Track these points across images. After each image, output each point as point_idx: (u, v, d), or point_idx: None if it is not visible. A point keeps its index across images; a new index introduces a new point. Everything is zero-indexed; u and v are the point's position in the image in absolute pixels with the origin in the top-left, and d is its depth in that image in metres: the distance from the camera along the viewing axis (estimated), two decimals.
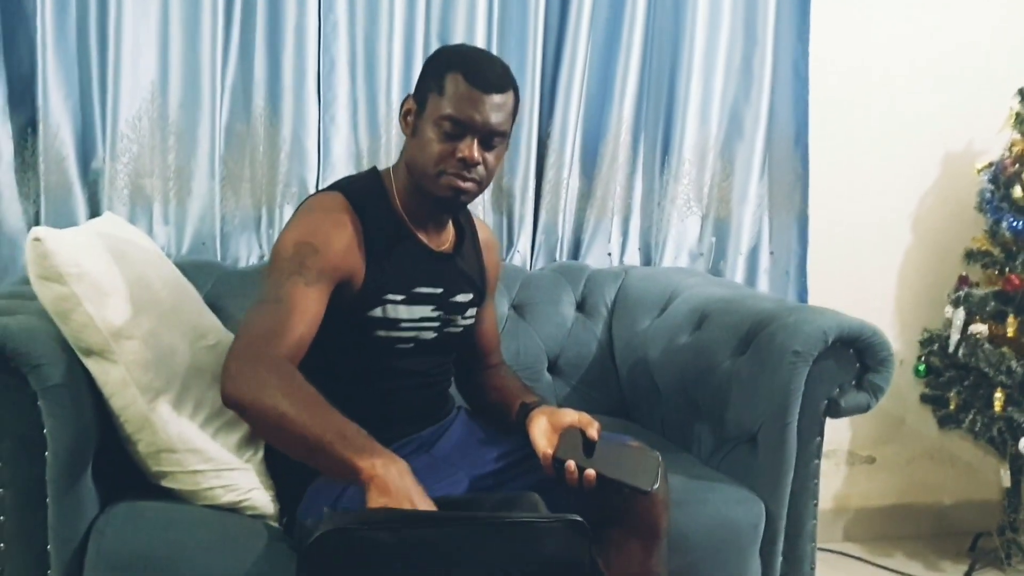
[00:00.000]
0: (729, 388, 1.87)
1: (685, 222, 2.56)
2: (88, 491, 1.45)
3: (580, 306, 2.36)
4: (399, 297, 1.50)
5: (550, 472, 1.41)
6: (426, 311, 1.54)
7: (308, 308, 1.36)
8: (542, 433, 1.46)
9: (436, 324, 1.56)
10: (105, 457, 1.49)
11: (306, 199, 1.55)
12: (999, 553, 2.62)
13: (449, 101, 1.43)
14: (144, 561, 1.40)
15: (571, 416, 1.46)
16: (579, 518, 1.10)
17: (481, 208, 2.37)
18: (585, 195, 2.50)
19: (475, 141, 1.44)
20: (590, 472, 1.37)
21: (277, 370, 1.27)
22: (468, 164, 1.44)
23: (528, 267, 2.46)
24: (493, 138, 1.47)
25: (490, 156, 1.47)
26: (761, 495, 1.78)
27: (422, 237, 1.56)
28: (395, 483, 1.15)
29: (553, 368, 2.29)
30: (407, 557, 1.05)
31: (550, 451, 1.42)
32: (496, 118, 1.45)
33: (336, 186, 1.55)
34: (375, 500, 1.14)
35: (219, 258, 2.21)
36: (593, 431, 1.43)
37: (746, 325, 1.90)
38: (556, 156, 2.41)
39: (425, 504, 1.15)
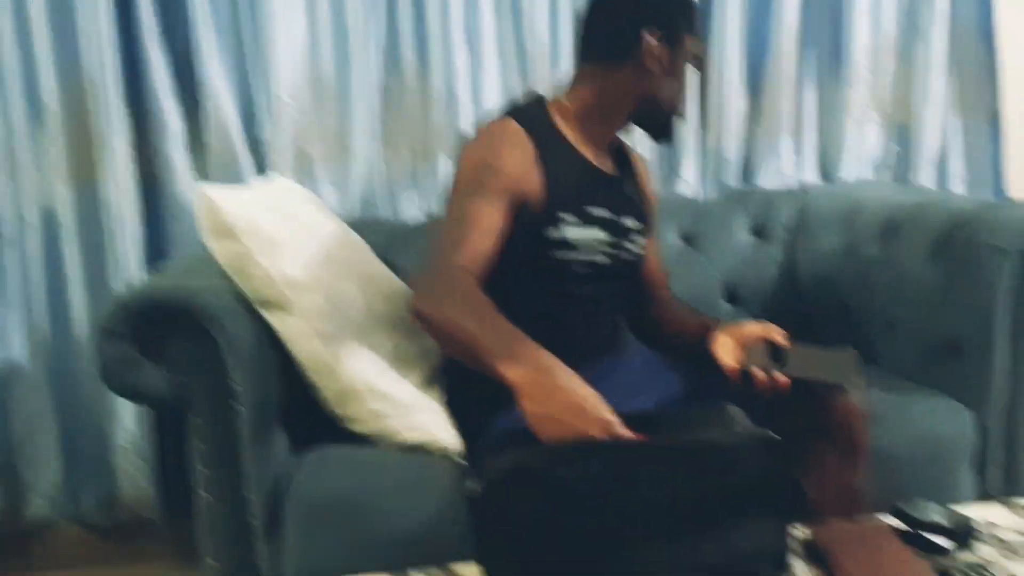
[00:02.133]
0: (927, 297, 1.73)
1: (864, 132, 2.38)
2: (280, 439, 1.49)
3: (756, 231, 2.24)
4: (572, 218, 1.48)
5: (739, 383, 1.35)
6: (599, 234, 1.51)
7: (488, 223, 1.36)
8: (726, 349, 1.42)
9: (609, 249, 1.53)
10: (295, 406, 1.53)
11: (477, 128, 1.54)
12: None
13: (697, 40, 1.55)
14: (337, 504, 1.43)
15: (755, 328, 1.42)
16: (773, 435, 1.02)
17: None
18: (752, 114, 2.36)
19: None
20: (781, 376, 1.30)
21: (454, 280, 1.28)
22: None
23: (696, 196, 2.36)
24: None
25: None
26: (970, 405, 1.64)
27: (591, 160, 1.54)
28: (541, 387, 1.10)
29: (732, 298, 2.20)
30: (588, 490, 0.99)
31: (736, 363, 1.35)
32: None
33: (504, 112, 1.55)
34: (528, 411, 1.09)
35: (388, 215, 2.23)
36: (780, 337, 1.37)
37: (940, 228, 1.75)
38: (718, 75, 2.29)
39: (592, 404, 1.09)
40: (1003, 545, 1.08)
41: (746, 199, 2.28)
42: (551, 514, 0.96)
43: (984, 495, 1.64)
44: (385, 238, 2.07)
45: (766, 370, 1.32)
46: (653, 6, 1.52)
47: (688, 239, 2.22)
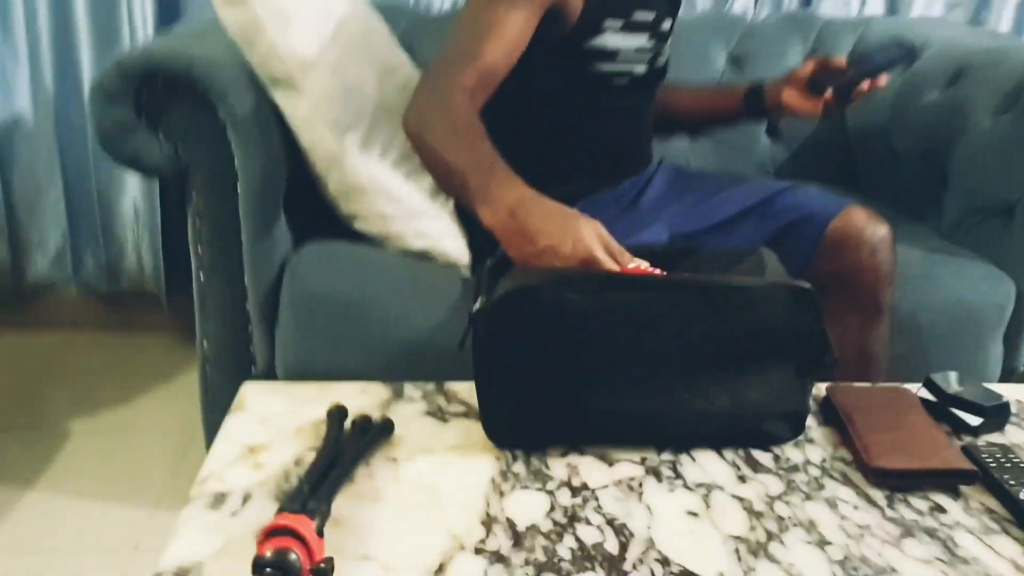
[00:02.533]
0: (986, 151, 1.60)
1: None
2: (281, 228, 1.42)
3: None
4: (618, 23, 1.33)
5: (836, 104, 1.43)
6: (642, 41, 1.37)
7: (508, 33, 1.20)
8: (795, 97, 1.47)
9: (649, 56, 1.40)
10: (299, 198, 1.45)
11: None
12: None
13: None
14: (334, 300, 1.37)
15: (809, 65, 1.47)
16: (807, 285, 0.92)
17: None
18: None
19: None
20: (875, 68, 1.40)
21: (448, 103, 1.13)
22: None
23: (750, 16, 2.18)
24: None
25: None
26: (1012, 273, 1.54)
27: None
28: (515, 229, 0.98)
29: (773, 131, 2.06)
30: (599, 321, 0.88)
31: (816, 105, 1.45)
32: None
33: None
34: (510, 252, 0.99)
35: (411, 1, 2.07)
36: (836, 60, 1.44)
37: (1015, 78, 1.59)
38: None
39: (571, 225, 0.96)
40: None
41: (802, 24, 2.10)
42: (556, 341, 0.88)
43: (1010, 371, 1.57)
44: (406, 27, 1.94)
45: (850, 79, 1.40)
46: None
47: (735, 61, 2.06)
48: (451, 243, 1.45)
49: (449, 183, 1.10)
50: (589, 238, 0.96)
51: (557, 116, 1.39)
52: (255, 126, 1.34)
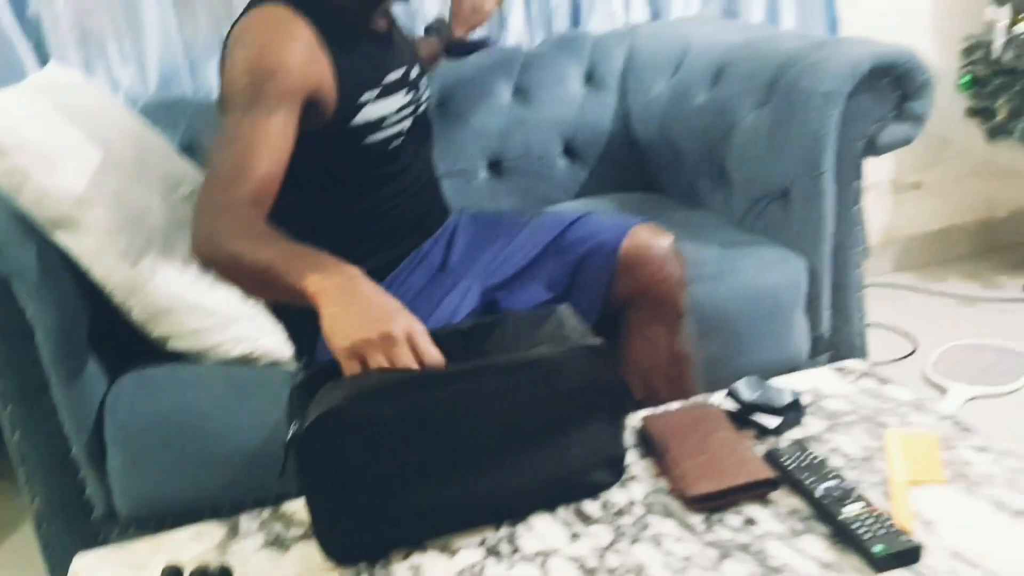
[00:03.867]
0: (754, 143, 1.71)
1: None
2: (92, 367, 1.38)
3: (588, 78, 2.16)
4: (374, 93, 1.35)
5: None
6: (401, 99, 1.40)
7: (271, 141, 1.19)
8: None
9: (411, 109, 1.43)
10: (109, 328, 1.42)
11: (240, 18, 1.32)
12: None
13: None
14: (159, 428, 1.35)
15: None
16: (596, 341, 0.96)
17: None
18: None
19: None
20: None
21: (235, 217, 1.12)
22: None
23: (525, 46, 2.24)
24: None
25: None
26: (800, 250, 1.66)
27: (369, 23, 1.40)
28: (344, 291, 0.98)
29: (569, 151, 2.14)
30: (413, 423, 0.91)
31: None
32: None
33: None
34: (327, 315, 0.97)
35: (192, 91, 2.04)
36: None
37: (767, 72, 1.71)
38: None
39: (394, 312, 0.96)
40: (829, 417, 1.10)
41: (575, 45, 2.17)
42: (376, 452, 0.91)
43: (817, 337, 1.69)
44: (191, 120, 1.91)
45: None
46: None
47: (519, 93, 2.12)
48: (269, 340, 1.45)
49: (260, 280, 1.08)
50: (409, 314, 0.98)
51: (343, 197, 1.40)
52: (42, 273, 1.31)
